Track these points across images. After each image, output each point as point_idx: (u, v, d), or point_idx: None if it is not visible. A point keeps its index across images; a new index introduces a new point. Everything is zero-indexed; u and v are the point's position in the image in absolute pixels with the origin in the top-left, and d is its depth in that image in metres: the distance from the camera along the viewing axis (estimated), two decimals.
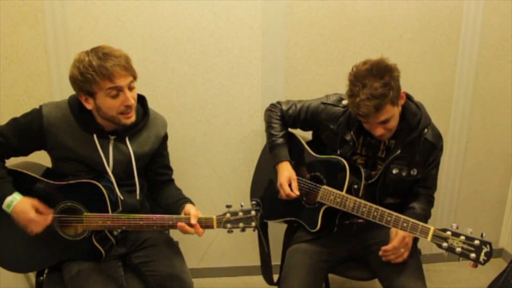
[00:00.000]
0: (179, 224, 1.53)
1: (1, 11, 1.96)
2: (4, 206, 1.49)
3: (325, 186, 1.69)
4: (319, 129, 1.80)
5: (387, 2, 2.17)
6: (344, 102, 1.74)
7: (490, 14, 2.25)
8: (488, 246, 1.35)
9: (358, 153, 1.73)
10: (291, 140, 1.89)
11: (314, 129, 1.87)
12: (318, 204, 1.71)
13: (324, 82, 2.24)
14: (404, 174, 1.67)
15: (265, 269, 1.98)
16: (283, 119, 1.89)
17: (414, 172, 1.67)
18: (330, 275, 1.90)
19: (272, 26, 2.14)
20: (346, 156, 1.71)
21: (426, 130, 1.66)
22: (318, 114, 1.78)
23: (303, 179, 1.79)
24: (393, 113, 1.54)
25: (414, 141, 1.64)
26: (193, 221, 1.52)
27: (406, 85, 2.26)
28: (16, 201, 1.49)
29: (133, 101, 1.52)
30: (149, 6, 2.04)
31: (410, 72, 2.29)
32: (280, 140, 1.83)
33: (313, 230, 1.72)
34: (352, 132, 1.69)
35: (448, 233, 1.40)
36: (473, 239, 1.37)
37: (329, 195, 1.67)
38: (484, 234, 1.38)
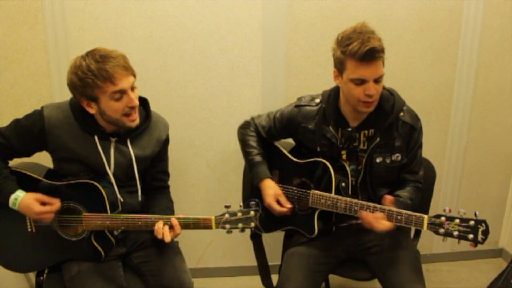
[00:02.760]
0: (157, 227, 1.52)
1: (1, 11, 1.96)
2: (10, 204, 1.50)
3: (313, 191, 1.67)
4: (298, 133, 1.76)
5: (387, 2, 2.16)
6: (317, 100, 1.72)
7: (490, 14, 2.24)
8: (483, 224, 1.36)
9: (341, 148, 1.70)
10: (271, 150, 1.85)
11: (292, 135, 1.82)
12: (311, 210, 1.70)
13: (324, 82, 2.22)
14: (388, 161, 1.65)
15: (264, 275, 1.98)
16: (258, 134, 1.84)
17: (397, 157, 1.65)
18: (330, 275, 1.90)
19: (272, 26, 2.14)
20: (333, 154, 1.69)
21: (402, 113, 1.64)
22: (294, 118, 1.74)
23: (291, 187, 1.77)
24: (383, 73, 1.53)
25: (391, 126, 1.63)
26: (178, 230, 1.53)
27: (406, 85, 2.28)
28: (20, 198, 1.49)
29: (137, 102, 1.51)
30: (149, 6, 2.04)
31: (410, 72, 2.29)
32: (258, 158, 1.77)
33: (312, 236, 1.71)
34: (330, 127, 1.68)
35: (443, 218, 1.41)
36: (467, 220, 1.38)
37: (319, 199, 1.65)
38: (477, 213, 1.39)
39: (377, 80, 1.52)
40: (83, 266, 1.58)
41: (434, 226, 1.43)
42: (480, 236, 1.36)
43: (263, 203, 1.73)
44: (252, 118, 1.89)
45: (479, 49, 2.29)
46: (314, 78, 2.24)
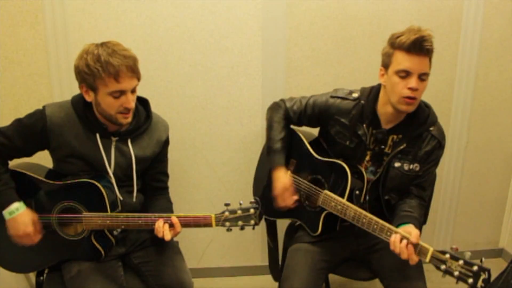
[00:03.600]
0: (157, 225, 1.52)
1: (1, 11, 1.96)
2: (6, 211, 1.50)
3: (326, 191, 1.66)
4: (328, 124, 1.74)
5: (387, 2, 2.16)
6: (355, 94, 1.70)
7: (490, 14, 2.25)
8: (486, 273, 1.32)
9: (368, 148, 1.69)
10: (293, 139, 1.84)
11: (322, 124, 1.81)
12: (320, 209, 1.69)
13: (324, 82, 2.24)
14: (406, 168, 1.64)
15: (273, 265, 1.97)
16: (287, 117, 1.82)
17: (416, 167, 1.65)
18: (330, 275, 1.90)
19: (272, 26, 2.14)
20: (358, 153, 1.68)
21: (432, 127, 1.65)
22: (327, 109, 1.72)
23: (305, 181, 1.76)
24: (428, 72, 1.54)
25: (420, 136, 1.64)
26: (178, 229, 1.53)
27: None
28: (21, 211, 1.51)
29: (133, 104, 1.52)
30: (149, 6, 2.04)
31: None
32: (278, 145, 1.76)
33: (314, 234, 1.71)
34: (364, 126, 1.66)
35: (447, 256, 1.37)
36: (472, 264, 1.33)
37: (330, 201, 1.63)
38: (483, 259, 1.35)
39: (421, 78, 1.52)
40: (83, 266, 1.58)
41: (437, 261, 1.39)
42: (480, 284, 1.32)
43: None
44: (283, 101, 1.85)
45: (479, 49, 2.30)
46: (314, 78, 2.24)
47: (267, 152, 1.80)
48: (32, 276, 1.95)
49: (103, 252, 1.59)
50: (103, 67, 1.43)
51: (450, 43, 2.27)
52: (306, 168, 1.79)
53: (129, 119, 1.56)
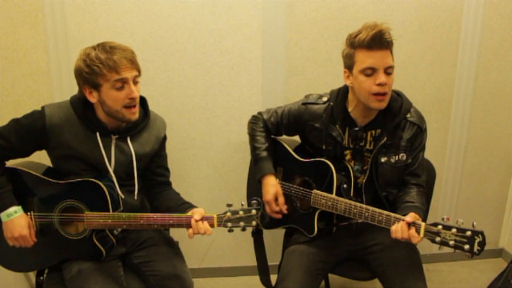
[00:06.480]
0: (190, 231, 1.52)
1: (1, 11, 1.96)
2: (4, 213, 1.51)
3: (315, 191, 1.67)
4: (305, 131, 1.77)
5: (387, 2, 2.17)
6: (324, 98, 1.73)
7: (490, 14, 2.25)
8: (480, 235, 1.34)
9: (346, 147, 1.70)
10: (277, 147, 1.86)
11: (299, 132, 1.83)
12: (312, 209, 1.70)
13: (324, 82, 2.24)
14: (393, 160, 1.65)
15: (263, 273, 1.98)
16: (266, 129, 1.85)
17: (403, 157, 1.65)
18: (330, 275, 1.90)
19: (272, 26, 2.14)
20: (337, 153, 1.69)
21: (409, 114, 1.66)
22: (301, 116, 1.75)
23: (294, 186, 1.77)
24: (393, 65, 1.56)
25: (398, 126, 1.64)
26: (197, 216, 1.51)
27: (406, 85, 2.28)
28: (18, 214, 1.53)
29: (137, 94, 1.53)
30: (149, 6, 2.04)
31: (410, 72, 2.29)
32: (264, 154, 1.79)
33: (311, 236, 1.72)
34: (337, 126, 1.68)
35: (440, 227, 1.39)
36: (464, 230, 1.36)
37: (320, 199, 1.65)
38: (475, 223, 1.37)
39: (387, 72, 1.53)
40: (84, 266, 1.58)
41: (431, 234, 1.41)
42: (476, 247, 1.35)
43: (262, 199, 1.74)
44: (260, 113, 1.89)
45: (479, 49, 2.30)
46: (314, 78, 2.24)
47: (254, 162, 1.82)
48: (32, 276, 1.95)
49: (104, 252, 1.59)
50: (103, 63, 1.46)
51: (450, 43, 2.27)
52: (293, 172, 1.79)
53: (137, 115, 1.57)
